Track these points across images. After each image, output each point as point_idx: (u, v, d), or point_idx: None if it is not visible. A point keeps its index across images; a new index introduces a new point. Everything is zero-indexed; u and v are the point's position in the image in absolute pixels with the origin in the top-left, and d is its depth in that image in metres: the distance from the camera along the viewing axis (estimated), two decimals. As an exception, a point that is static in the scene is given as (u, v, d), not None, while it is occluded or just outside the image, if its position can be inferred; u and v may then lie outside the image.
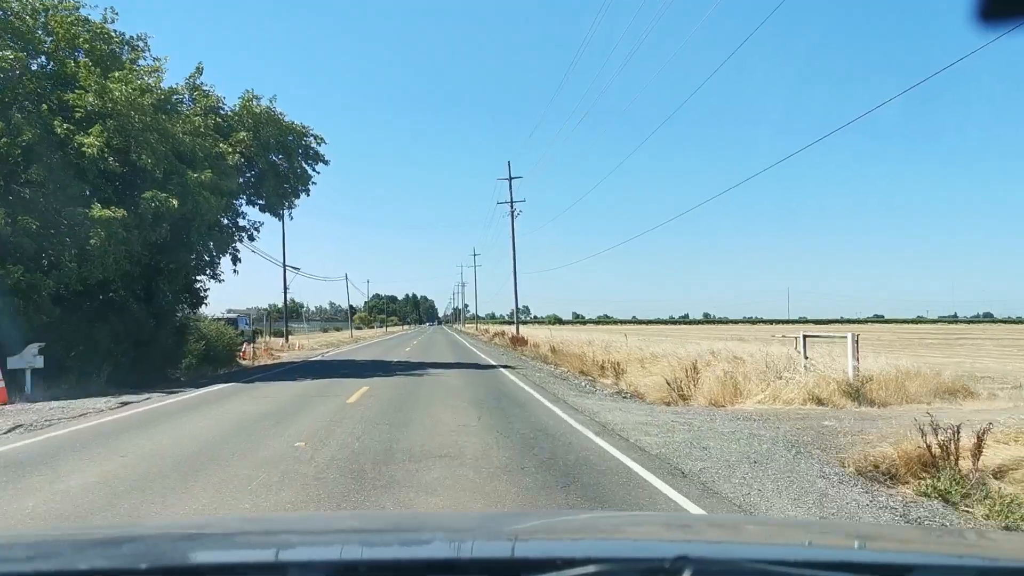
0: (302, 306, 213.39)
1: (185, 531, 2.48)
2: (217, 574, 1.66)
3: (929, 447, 7.19)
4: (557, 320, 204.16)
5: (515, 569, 1.58)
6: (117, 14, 20.28)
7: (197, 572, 1.69)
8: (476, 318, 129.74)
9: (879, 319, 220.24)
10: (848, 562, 1.75)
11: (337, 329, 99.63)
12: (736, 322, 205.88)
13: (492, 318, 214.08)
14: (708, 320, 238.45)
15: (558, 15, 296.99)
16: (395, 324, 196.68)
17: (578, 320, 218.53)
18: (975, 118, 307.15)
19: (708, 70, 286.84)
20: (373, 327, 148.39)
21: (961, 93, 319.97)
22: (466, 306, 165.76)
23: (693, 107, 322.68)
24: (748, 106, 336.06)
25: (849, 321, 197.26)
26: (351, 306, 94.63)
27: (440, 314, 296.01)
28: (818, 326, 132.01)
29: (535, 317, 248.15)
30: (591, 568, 1.41)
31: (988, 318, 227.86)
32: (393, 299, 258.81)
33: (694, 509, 6.52)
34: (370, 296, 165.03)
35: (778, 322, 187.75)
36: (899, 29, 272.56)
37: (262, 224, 27.03)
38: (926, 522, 6.07)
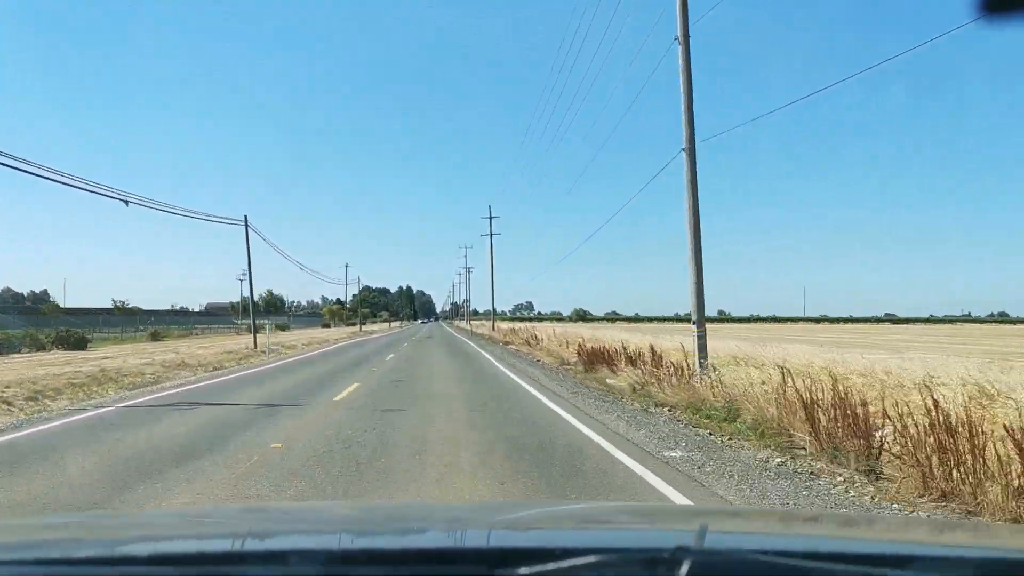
0: (282, 299, 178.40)
1: (184, 520, 2.40)
2: (216, 563, 1.52)
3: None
4: (581, 317, 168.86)
5: (513, 559, 1.37)
6: None
7: (197, 560, 1.55)
8: (493, 313, 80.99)
9: (890, 317, 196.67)
10: (849, 553, 1.62)
11: (282, 328, 64.94)
12: (747, 320, 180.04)
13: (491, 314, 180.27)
14: (723, 318, 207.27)
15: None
16: (383, 321, 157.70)
17: (586, 317, 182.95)
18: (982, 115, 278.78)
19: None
20: (355, 324, 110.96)
21: (969, 90, 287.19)
22: (466, 301, 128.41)
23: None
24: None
25: (857, 320, 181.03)
26: (246, 300, 57.85)
27: (438, 309, 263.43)
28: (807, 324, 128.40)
29: (539, 313, 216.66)
30: (590, 558, 1.32)
31: (1003, 317, 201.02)
32: (385, 292, 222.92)
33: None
34: (359, 287, 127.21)
35: (793, 320, 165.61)
36: (899, 22, 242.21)
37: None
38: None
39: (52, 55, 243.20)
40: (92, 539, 1.81)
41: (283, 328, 65.46)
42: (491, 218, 69.02)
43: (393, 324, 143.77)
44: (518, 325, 63.02)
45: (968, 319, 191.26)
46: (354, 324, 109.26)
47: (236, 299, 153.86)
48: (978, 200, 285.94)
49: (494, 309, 77.83)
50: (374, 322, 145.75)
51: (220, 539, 1.85)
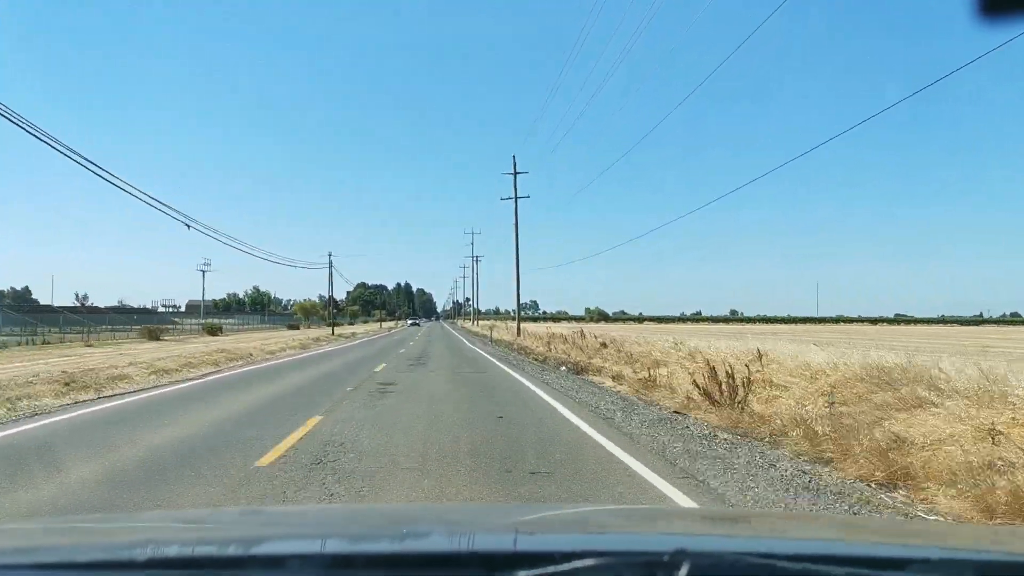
0: (269, 297, 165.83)
1: (183, 523, 2.36)
2: (214, 567, 1.50)
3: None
4: (603, 316, 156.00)
5: (514, 563, 1.37)
6: None
7: (195, 564, 1.53)
8: (519, 310, 48.56)
9: (901, 318, 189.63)
10: (846, 556, 1.61)
11: (211, 331, 52.16)
12: (753, 320, 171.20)
13: (495, 313, 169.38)
14: (736, 318, 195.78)
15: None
16: (375, 320, 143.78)
17: (607, 317, 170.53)
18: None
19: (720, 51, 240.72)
20: (340, 323, 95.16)
21: (976, 89, 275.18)
22: (467, 300, 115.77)
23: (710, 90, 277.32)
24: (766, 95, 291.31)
25: (865, 320, 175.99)
26: (231, 297, 45.34)
27: (439, 308, 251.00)
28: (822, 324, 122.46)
29: (544, 312, 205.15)
30: (590, 561, 1.32)
31: (1015, 318, 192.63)
32: (382, 288, 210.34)
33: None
34: (331, 275, 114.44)
35: (805, 320, 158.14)
36: (901, 24, 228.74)
37: None
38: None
39: (52, 55, 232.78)
40: (90, 543, 1.79)
41: (212, 331, 52.02)
42: (516, 173, 44.65)
43: (386, 324, 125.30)
44: (556, 328, 41.53)
45: (980, 320, 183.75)
46: (340, 323, 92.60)
47: (219, 296, 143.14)
48: (991, 200, 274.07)
49: (519, 303, 48.35)
50: (365, 322, 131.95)
51: (218, 543, 1.81)
